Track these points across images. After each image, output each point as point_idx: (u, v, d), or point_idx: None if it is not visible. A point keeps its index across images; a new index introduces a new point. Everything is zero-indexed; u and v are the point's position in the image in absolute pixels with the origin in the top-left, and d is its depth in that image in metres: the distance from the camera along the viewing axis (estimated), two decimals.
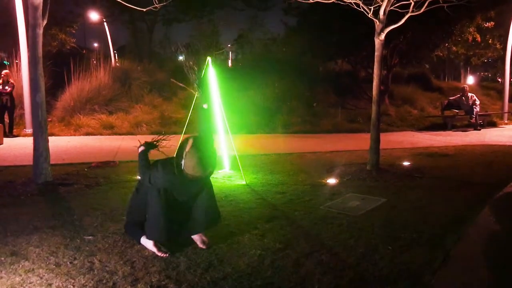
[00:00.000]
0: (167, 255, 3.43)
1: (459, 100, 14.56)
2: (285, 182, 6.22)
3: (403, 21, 6.44)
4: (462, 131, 13.53)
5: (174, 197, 3.58)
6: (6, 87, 10.86)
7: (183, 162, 3.33)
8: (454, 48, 18.32)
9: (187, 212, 3.66)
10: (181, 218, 3.64)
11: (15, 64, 13.96)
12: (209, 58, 6.49)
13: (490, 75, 38.19)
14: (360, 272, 3.21)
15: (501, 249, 3.82)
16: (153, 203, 3.54)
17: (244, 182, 6.13)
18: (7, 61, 17.69)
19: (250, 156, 8.17)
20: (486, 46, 21.00)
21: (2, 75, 10.91)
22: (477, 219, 4.53)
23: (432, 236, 3.98)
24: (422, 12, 6.38)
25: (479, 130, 13.73)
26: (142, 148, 3.99)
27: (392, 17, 6.54)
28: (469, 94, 14.45)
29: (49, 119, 12.85)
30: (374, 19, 6.49)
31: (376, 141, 6.72)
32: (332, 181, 6.29)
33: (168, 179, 3.50)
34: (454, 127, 14.21)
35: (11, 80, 11.15)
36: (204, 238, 3.66)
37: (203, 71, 6.43)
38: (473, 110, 14.04)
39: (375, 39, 6.60)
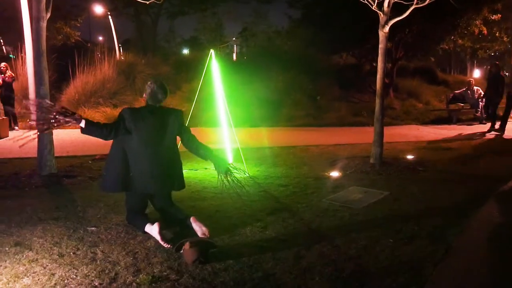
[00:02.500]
0: (170, 246, 3.45)
1: (465, 94, 14.46)
2: (288, 175, 6.23)
3: (407, 13, 6.39)
4: (467, 124, 13.46)
5: (149, 138, 3.78)
6: (6, 79, 10.86)
7: (148, 92, 3.93)
8: (460, 41, 18.15)
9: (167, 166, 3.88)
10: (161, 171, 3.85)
11: (20, 58, 13.98)
12: (212, 51, 6.47)
13: None
14: (361, 264, 3.23)
15: (503, 242, 3.82)
16: (113, 154, 3.84)
17: (247, 175, 6.14)
18: (13, 55, 17.73)
19: (253, 149, 8.18)
20: (493, 39, 20.82)
21: (1, 68, 10.92)
22: (479, 213, 4.53)
23: (434, 229, 3.99)
24: (428, 4, 6.32)
25: (485, 124, 13.62)
26: (82, 122, 3.67)
27: (397, 9, 6.50)
28: (475, 88, 14.34)
29: None
30: (378, 11, 6.45)
31: (379, 134, 6.70)
32: (335, 174, 6.29)
33: (133, 113, 3.82)
34: (459, 121, 14.13)
35: (9, 72, 11.13)
36: (204, 228, 3.69)
37: (206, 64, 6.42)
38: (478, 104, 13.94)
39: (379, 31, 6.56)
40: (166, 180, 3.92)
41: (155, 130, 3.83)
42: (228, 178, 3.84)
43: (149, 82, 4.01)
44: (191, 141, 4.00)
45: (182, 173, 4.10)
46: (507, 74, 29.95)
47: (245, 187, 4.16)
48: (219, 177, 3.86)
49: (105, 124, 3.83)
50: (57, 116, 3.67)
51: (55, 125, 3.71)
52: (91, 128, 3.73)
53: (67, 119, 3.69)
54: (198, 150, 3.97)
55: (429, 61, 22.43)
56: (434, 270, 3.15)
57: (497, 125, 11.30)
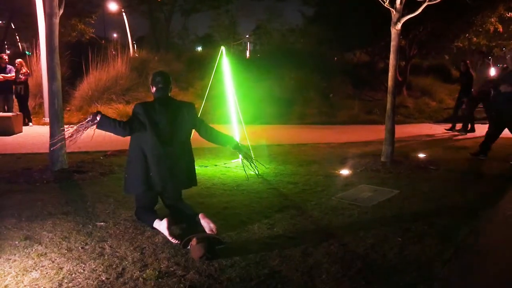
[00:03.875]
0: (178, 241, 3.46)
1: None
2: (298, 173, 6.21)
3: (420, 10, 6.32)
4: (481, 123, 13.29)
5: (164, 133, 3.80)
6: (20, 76, 10.98)
7: (151, 86, 4.00)
8: (475, 39, 17.87)
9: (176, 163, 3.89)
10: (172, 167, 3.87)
11: (35, 54, 14.13)
12: (222, 48, 6.47)
13: None
14: (368, 263, 3.21)
15: None
16: (131, 154, 3.88)
17: (256, 172, 6.13)
18: (29, 51, 17.93)
19: (264, 147, 8.17)
20: (508, 37, 20.50)
21: (16, 64, 11.04)
22: (491, 213, 4.47)
23: (443, 228, 3.95)
24: (442, 2, 6.24)
25: None
26: (98, 116, 3.72)
27: (409, 6, 6.43)
28: None
29: (68, 108, 13.02)
30: (390, 8, 6.39)
31: (390, 132, 6.65)
32: (345, 172, 6.25)
33: (146, 107, 3.84)
34: (474, 119, 13.96)
35: (25, 69, 11.24)
36: (212, 224, 3.69)
37: (217, 61, 6.42)
38: None
39: (391, 29, 6.50)
40: (182, 178, 3.96)
41: (169, 123, 3.85)
42: (246, 161, 4.33)
43: (150, 78, 4.08)
44: (209, 131, 4.10)
45: (195, 170, 4.13)
46: None
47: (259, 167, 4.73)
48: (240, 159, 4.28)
49: (120, 121, 3.85)
50: (81, 126, 3.76)
51: (83, 132, 3.77)
52: (106, 122, 3.75)
53: (87, 120, 3.74)
54: (217, 138, 4.15)
55: (443, 59, 22.16)
56: (443, 270, 3.12)
57: (459, 126, 11.05)
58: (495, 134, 7.35)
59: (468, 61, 11.30)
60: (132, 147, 3.90)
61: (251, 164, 4.35)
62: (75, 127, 3.79)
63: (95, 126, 3.75)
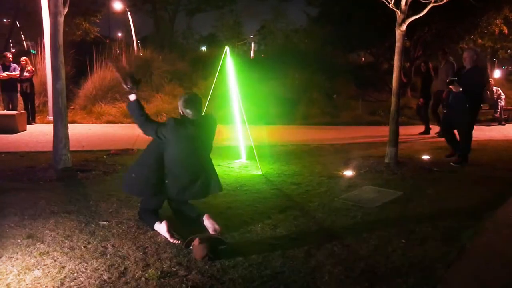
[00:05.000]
0: (179, 242, 3.46)
1: (484, 94, 14.22)
2: (301, 173, 6.19)
3: (425, 11, 6.29)
4: (486, 125, 13.23)
5: (188, 149, 3.77)
6: (25, 74, 11.01)
7: (179, 108, 3.80)
8: (480, 41, 17.82)
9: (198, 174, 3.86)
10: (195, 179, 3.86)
11: (40, 53, 14.17)
12: (227, 48, 6.46)
13: None
14: (371, 264, 3.19)
15: None
16: (146, 158, 3.85)
17: (260, 172, 6.13)
18: (34, 50, 17.98)
19: (267, 147, 8.16)
20: None
21: (21, 62, 11.06)
22: (495, 215, 4.44)
23: (447, 230, 3.92)
24: (447, 3, 6.21)
25: (504, 125, 13.40)
26: (133, 96, 3.83)
27: (414, 7, 6.40)
28: (494, 88, 14.08)
29: (72, 107, 13.06)
30: (395, 9, 6.37)
31: (394, 133, 6.63)
32: (348, 173, 6.23)
33: (178, 122, 3.74)
34: (477, 122, 13.91)
35: (30, 67, 11.26)
36: (216, 226, 3.69)
37: (221, 60, 6.41)
38: (497, 104, 13.71)
39: (396, 30, 6.48)
40: (199, 189, 3.92)
41: (195, 141, 3.82)
42: None
43: (180, 101, 3.82)
44: None
45: (217, 176, 4.10)
46: None
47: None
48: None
49: (152, 119, 3.89)
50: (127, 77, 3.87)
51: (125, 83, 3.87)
52: (137, 106, 3.82)
53: (128, 84, 3.84)
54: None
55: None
56: (446, 272, 3.10)
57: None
58: (466, 136, 6.89)
59: (430, 62, 11.24)
60: (150, 152, 3.87)
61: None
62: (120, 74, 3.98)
63: (128, 96, 3.86)
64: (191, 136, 3.77)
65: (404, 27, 6.40)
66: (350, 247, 3.51)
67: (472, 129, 6.89)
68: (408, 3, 6.28)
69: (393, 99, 6.59)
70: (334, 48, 18.87)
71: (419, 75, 11.79)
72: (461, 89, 6.58)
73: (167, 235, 3.55)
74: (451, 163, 6.76)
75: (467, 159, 6.86)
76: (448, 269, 3.14)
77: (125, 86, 3.87)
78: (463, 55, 6.94)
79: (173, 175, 3.79)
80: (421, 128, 10.95)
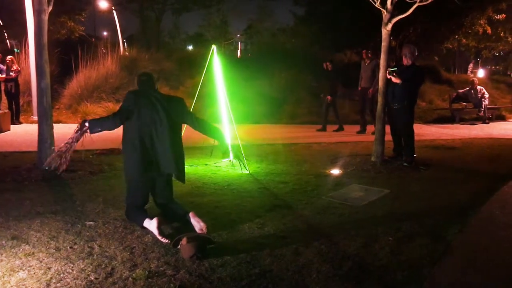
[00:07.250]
0: (168, 241, 3.44)
1: (468, 93, 14.39)
2: (289, 172, 6.20)
3: (410, 11, 6.34)
4: (470, 124, 13.40)
5: (144, 117, 3.83)
6: (11, 73, 10.85)
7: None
8: (464, 41, 18.03)
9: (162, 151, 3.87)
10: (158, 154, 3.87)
11: (24, 52, 13.97)
12: (214, 47, 6.44)
13: (501, 69, 37.65)
14: (359, 262, 3.21)
15: (503, 241, 3.78)
16: (124, 143, 3.93)
17: (247, 172, 6.12)
18: (17, 49, 17.72)
19: (254, 146, 8.16)
20: (497, 39, 20.69)
21: (7, 61, 10.90)
22: (480, 212, 4.49)
23: (434, 228, 3.96)
24: (432, 3, 6.26)
25: (488, 123, 13.58)
26: (85, 123, 3.86)
27: (400, 7, 6.45)
28: (478, 87, 14.26)
29: (57, 107, 12.90)
30: (381, 9, 6.41)
31: (381, 132, 6.67)
32: (335, 171, 6.26)
33: (134, 94, 3.97)
34: (462, 120, 14.06)
35: (16, 66, 11.10)
36: (202, 223, 3.68)
37: (208, 59, 6.39)
38: (481, 103, 13.89)
39: (382, 29, 6.52)
40: (178, 159, 3.94)
41: (155, 111, 3.87)
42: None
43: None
44: (201, 124, 4.12)
45: (184, 166, 4.10)
46: (510, 74, 29.77)
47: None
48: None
49: (108, 115, 3.97)
50: (71, 141, 3.90)
51: (75, 144, 3.92)
52: (96, 124, 3.83)
53: (76, 131, 3.86)
54: (208, 131, 4.18)
55: (433, 60, 22.32)
56: (433, 269, 3.12)
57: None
58: (408, 136, 6.80)
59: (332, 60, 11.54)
60: (124, 135, 3.94)
61: (241, 163, 4.46)
62: (65, 144, 3.90)
63: (87, 133, 3.83)
64: (151, 103, 3.88)
65: (390, 26, 6.44)
66: (338, 245, 3.52)
67: (412, 127, 6.83)
68: (394, 2, 6.32)
69: (379, 98, 6.64)
70: (321, 48, 18.93)
71: (323, 75, 12.04)
72: (400, 81, 6.52)
73: (156, 232, 3.52)
74: (404, 164, 6.66)
75: (414, 158, 6.80)
76: (435, 265, 3.17)
77: (79, 133, 3.89)
78: (402, 50, 6.94)
79: (153, 149, 3.83)
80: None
